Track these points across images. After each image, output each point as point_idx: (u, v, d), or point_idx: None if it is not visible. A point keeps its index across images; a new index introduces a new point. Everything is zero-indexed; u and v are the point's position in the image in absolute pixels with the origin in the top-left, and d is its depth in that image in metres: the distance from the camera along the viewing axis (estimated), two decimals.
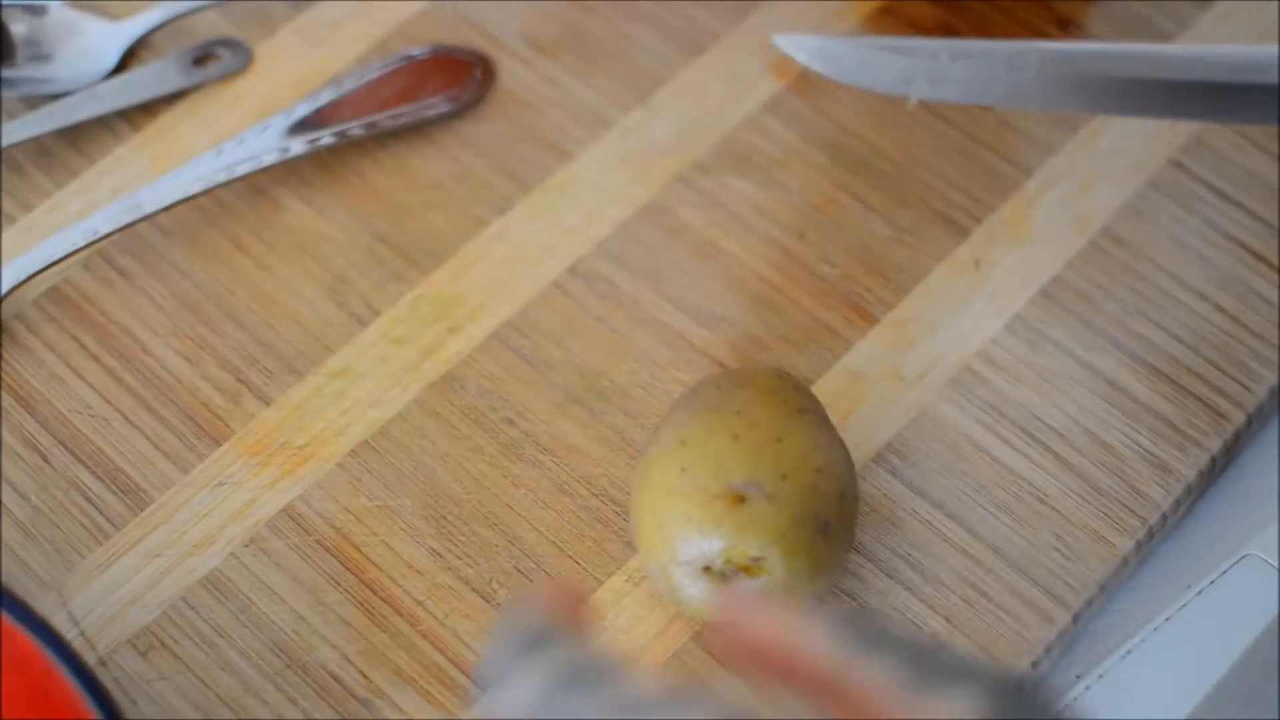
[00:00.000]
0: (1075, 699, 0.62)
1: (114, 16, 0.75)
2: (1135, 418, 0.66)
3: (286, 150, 0.70)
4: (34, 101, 0.73)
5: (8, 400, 0.66)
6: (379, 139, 0.72)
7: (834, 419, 0.65)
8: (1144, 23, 0.75)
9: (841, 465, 0.59)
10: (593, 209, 0.71)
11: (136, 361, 0.67)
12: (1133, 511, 0.64)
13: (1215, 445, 0.65)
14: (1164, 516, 0.64)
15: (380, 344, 0.67)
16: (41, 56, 0.74)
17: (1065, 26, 0.75)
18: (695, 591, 0.58)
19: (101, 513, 0.64)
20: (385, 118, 0.72)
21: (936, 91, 0.61)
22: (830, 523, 0.58)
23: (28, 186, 0.71)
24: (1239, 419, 0.66)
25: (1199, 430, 0.65)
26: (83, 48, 0.74)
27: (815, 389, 0.66)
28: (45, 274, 0.68)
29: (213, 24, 0.76)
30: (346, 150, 0.72)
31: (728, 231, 0.70)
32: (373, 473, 0.65)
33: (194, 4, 0.75)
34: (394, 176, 0.72)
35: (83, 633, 0.61)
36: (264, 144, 0.70)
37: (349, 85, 0.72)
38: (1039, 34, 0.75)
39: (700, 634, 0.61)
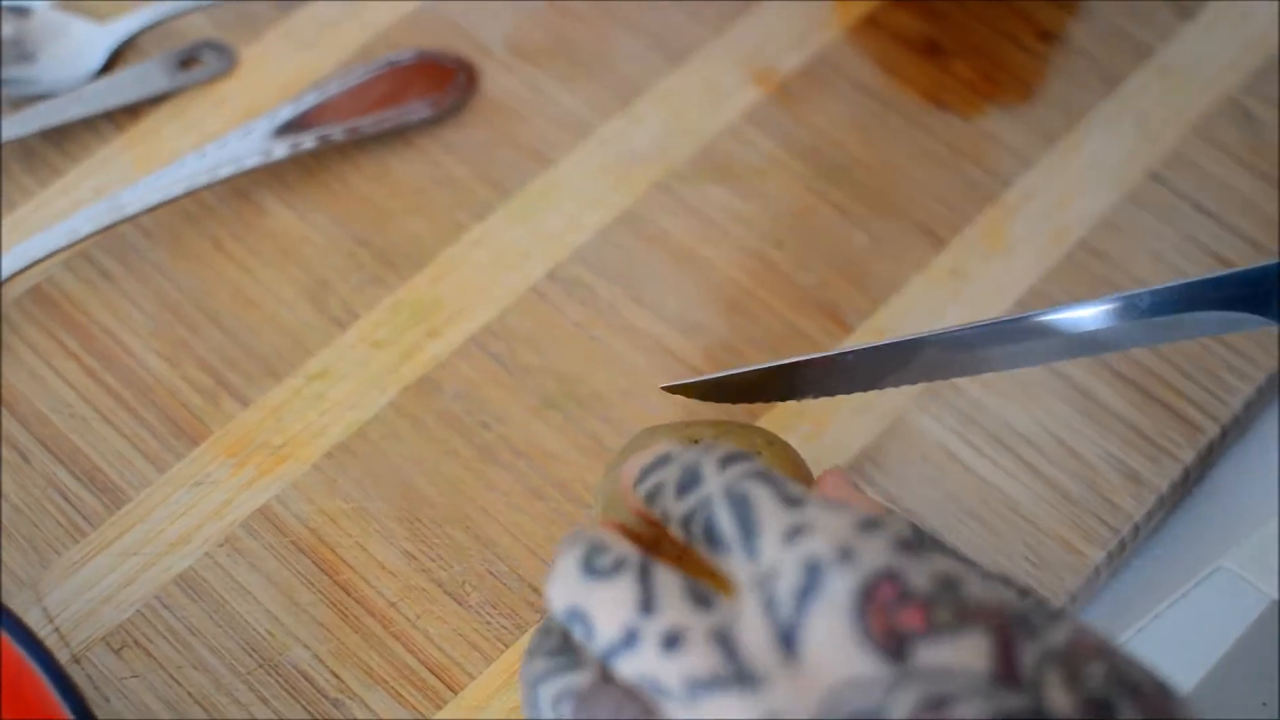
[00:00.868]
0: None
1: (100, 18, 0.75)
2: (1108, 428, 0.66)
3: (269, 153, 0.70)
4: (19, 102, 0.73)
5: None
6: (361, 143, 0.73)
7: (809, 426, 0.65)
8: (1124, 35, 0.75)
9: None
10: (572, 215, 0.71)
11: (116, 361, 0.68)
12: (1104, 522, 0.64)
13: (1188, 456, 0.65)
14: (1136, 527, 0.64)
15: (359, 347, 0.68)
16: (27, 57, 0.74)
17: (1046, 38, 0.75)
18: None
19: (78, 511, 0.64)
20: (368, 122, 0.72)
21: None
22: None
23: (12, 186, 0.72)
24: (1212, 430, 0.66)
25: (1172, 441, 0.66)
26: (68, 49, 0.74)
27: None
28: (27, 273, 0.69)
29: (199, 26, 0.76)
30: (329, 154, 0.72)
31: (706, 239, 0.70)
32: (349, 474, 0.65)
33: (180, 6, 0.75)
34: (375, 181, 0.72)
35: (57, 629, 0.62)
36: (247, 147, 0.71)
37: (333, 89, 0.73)
38: (1020, 45, 0.75)
39: None
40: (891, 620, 0.41)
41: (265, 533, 0.64)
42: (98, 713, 0.59)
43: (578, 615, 0.45)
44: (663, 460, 0.49)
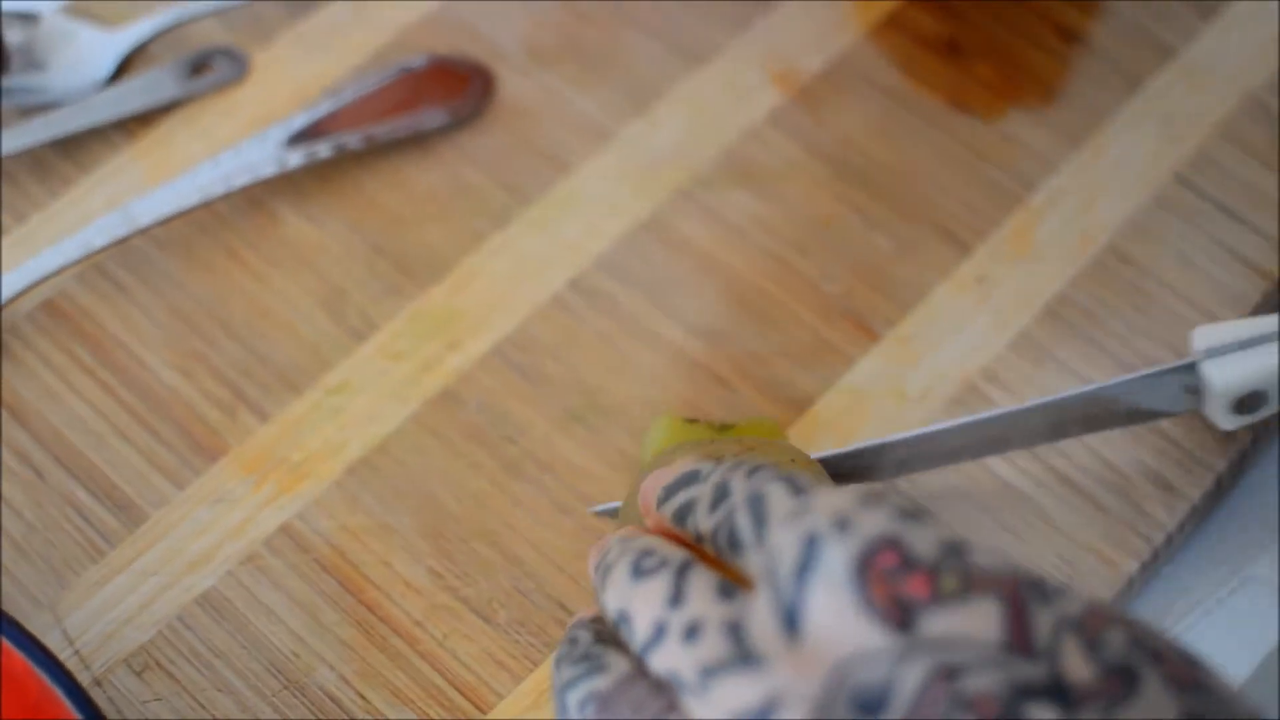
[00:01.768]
0: None
1: (110, 25, 0.75)
2: (1140, 437, 0.65)
3: (284, 162, 0.70)
4: (28, 111, 0.73)
5: (2, 414, 0.66)
6: (377, 150, 0.72)
7: (837, 437, 0.65)
8: (1146, 35, 0.75)
9: None
10: (593, 222, 0.70)
11: (131, 375, 0.67)
12: (1137, 531, 0.63)
13: (1220, 465, 0.65)
14: (1168, 536, 0.64)
15: (378, 359, 0.67)
16: (36, 65, 0.73)
17: (1067, 38, 0.75)
18: None
19: (97, 530, 0.64)
20: (384, 129, 0.71)
21: None
22: None
23: (21, 197, 0.71)
24: (1244, 439, 0.65)
25: (1204, 450, 0.65)
26: (78, 57, 0.74)
27: (818, 406, 0.66)
28: (40, 287, 0.68)
29: (210, 32, 0.75)
30: (344, 162, 0.71)
31: (729, 245, 0.70)
32: (371, 490, 0.64)
33: (190, 12, 0.74)
34: (392, 189, 0.71)
35: (77, 652, 0.61)
36: (261, 155, 0.70)
37: (347, 96, 0.72)
38: (1041, 46, 0.74)
39: None
40: (895, 589, 0.40)
41: (287, 551, 0.63)
42: None
43: (625, 616, 0.45)
44: (690, 478, 0.48)
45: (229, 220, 0.70)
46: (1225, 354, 0.61)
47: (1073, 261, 0.69)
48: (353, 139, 0.70)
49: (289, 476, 0.64)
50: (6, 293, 0.66)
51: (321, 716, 0.60)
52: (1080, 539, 0.63)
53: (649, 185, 0.71)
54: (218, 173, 0.69)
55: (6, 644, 0.55)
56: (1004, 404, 0.66)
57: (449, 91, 0.73)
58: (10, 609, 0.62)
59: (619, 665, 0.45)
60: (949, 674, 0.38)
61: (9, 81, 0.72)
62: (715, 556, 0.47)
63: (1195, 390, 0.62)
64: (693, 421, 0.62)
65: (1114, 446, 0.65)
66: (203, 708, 0.60)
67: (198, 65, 0.73)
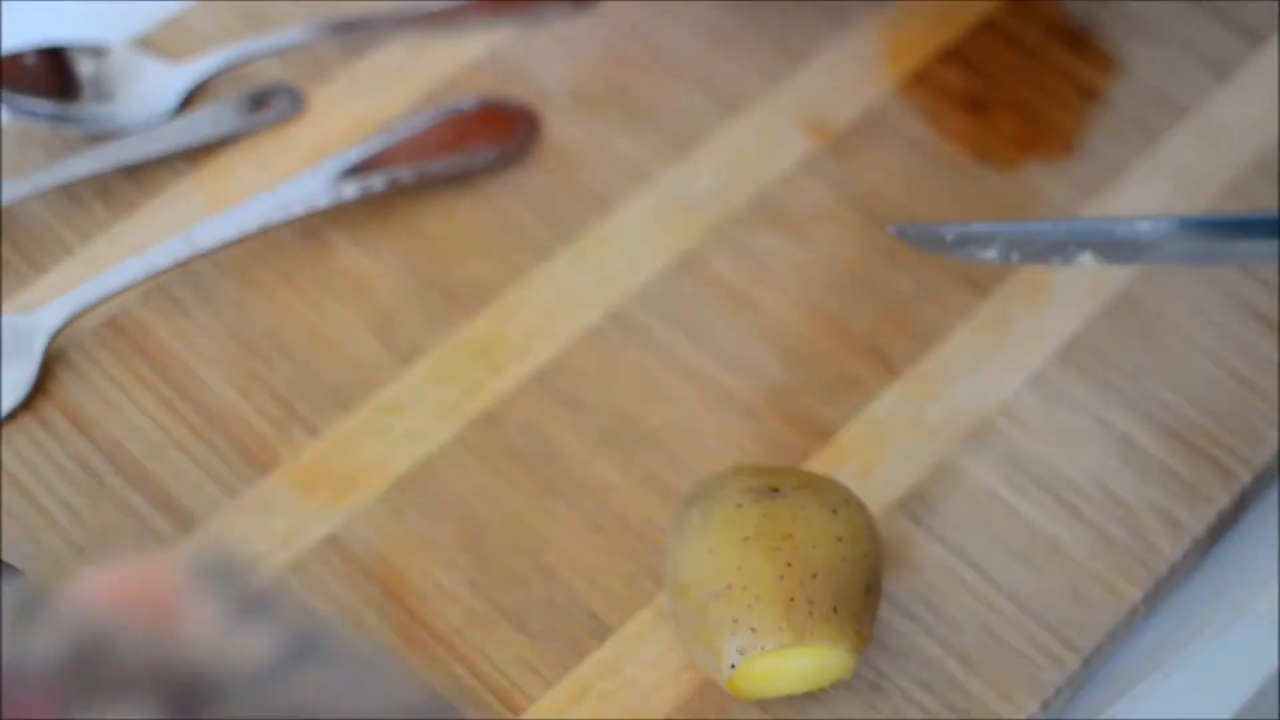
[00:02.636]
0: None
1: (175, 60, 0.78)
2: (1148, 474, 0.68)
3: (338, 194, 0.73)
4: (96, 139, 0.76)
5: (64, 423, 0.69)
6: (428, 186, 0.75)
7: (858, 466, 0.68)
8: (1161, 95, 0.78)
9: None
10: (632, 259, 0.73)
11: (189, 391, 0.70)
12: (1143, 563, 0.66)
13: (1224, 501, 0.68)
14: (1172, 568, 0.66)
15: (425, 382, 0.70)
16: (105, 96, 0.76)
17: (1086, 96, 0.78)
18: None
19: (152, 534, 0.66)
20: (434, 166, 0.74)
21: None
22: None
23: (88, 219, 0.74)
24: (1246, 477, 0.68)
25: (1208, 487, 0.68)
26: (144, 89, 0.77)
27: (840, 436, 0.69)
28: (104, 305, 0.71)
29: (270, 70, 0.78)
30: (396, 196, 0.75)
31: (760, 284, 0.73)
32: (414, 505, 0.67)
33: (252, 50, 0.77)
34: (442, 222, 0.74)
35: None
36: (317, 187, 0.73)
37: (399, 133, 0.75)
38: (1061, 103, 0.78)
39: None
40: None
41: (333, 559, 0.66)
42: None
43: None
44: None
45: (285, 248, 0.73)
46: None
47: (1087, 307, 0.72)
48: (405, 173, 0.74)
49: (336, 490, 0.68)
50: (73, 309, 0.70)
51: None
52: (1088, 568, 0.66)
53: (686, 226, 0.74)
54: (275, 202, 0.72)
55: None
56: (1019, 440, 0.69)
57: (497, 132, 0.76)
58: None
59: None
60: None
61: (80, 110, 0.76)
62: None
63: None
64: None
65: (1122, 481, 0.68)
66: None
67: (258, 101, 0.77)
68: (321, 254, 0.73)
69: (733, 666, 0.59)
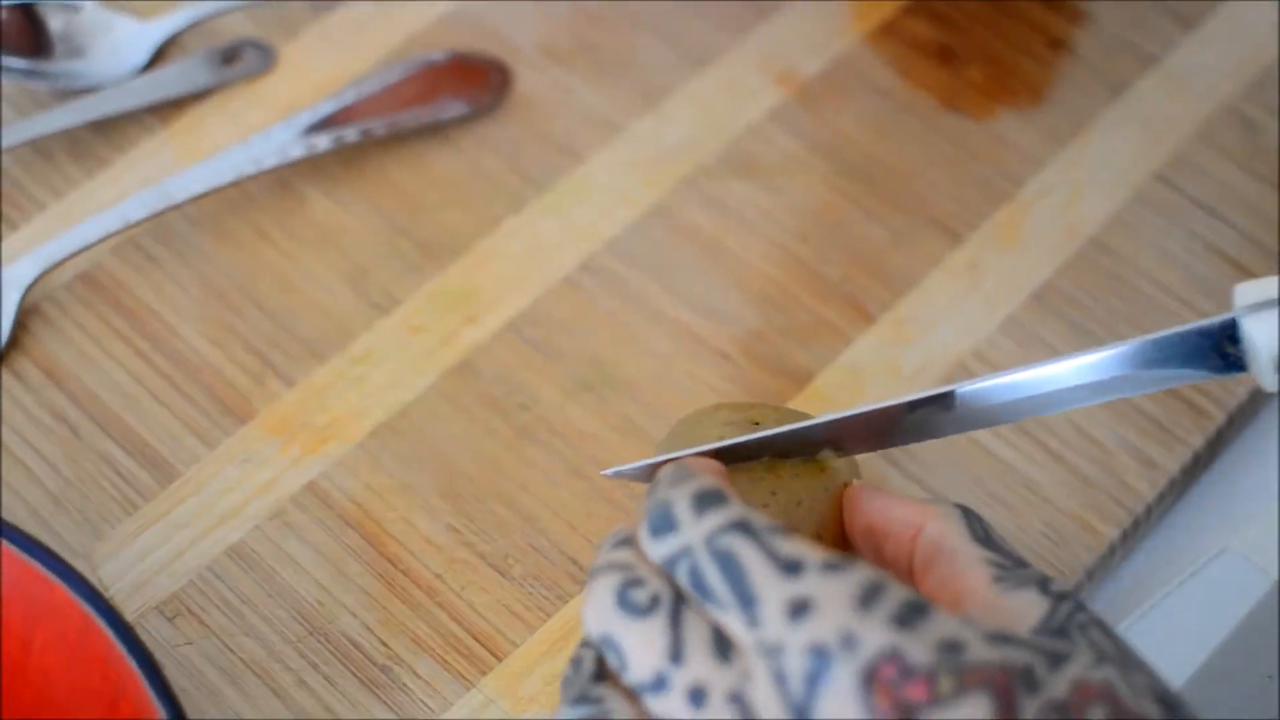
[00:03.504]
0: None
1: (145, 16, 0.78)
2: (1123, 415, 0.68)
3: (312, 145, 0.73)
4: (67, 95, 0.76)
5: (39, 376, 0.69)
6: (400, 138, 0.75)
7: (836, 409, 0.67)
8: (1128, 44, 0.78)
9: None
10: (603, 209, 0.74)
11: (164, 343, 0.70)
12: (1119, 503, 0.67)
13: (1198, 442, 0.68)
14: (1148, 508, 0.67)
15: (399, 332, 0.70)
16: (75, 52, 0.76)
17: (1055, 46, 0.78)
18: None
19: (131, 485, 0.66)
20: (406, 117, 0.74)
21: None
22: None
23: (59, 175, 0.74)
24: (1220, 417, 0.69)
25: (1183, 428, 0.68)
26: (114, 45, 0.77)
27: (817, 382, 0.69)
28: (77, 259, 0.71)
29: (239, 26, 0.78)
30: (368, 148, 0.75)
31: (732, 232, 0.73)
32: (392, 452, 0.67)
33: (220, 6, 0.77)
34: (414, 174, 0.74)
35: (111, 598, 0.64)
36: (289, 139, 0.73)
37: (371, 86, 0.75)
38: (1030, 53, 0.78)
39: None
40: (897, 695, 0.44)
41: (313, 507, 0.66)
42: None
43: (612, 645, 0.49)
44: (664, 519, 0.51)
45: (258, 200, 0.73)
46: (1269, 309, 0.55)
47: (1058, 252, 0.73)
48: (377, 125, 0.74)
49: (314, 439, 0.68)
50: (46, 262, 0.69)
51: (345, 661, 0.63)
52: (1065, 508, 0.66)
53: (657, 176, 0.75)
54: (248, 155, 0.72)
55: (51, 576, 0.58)
56: None
57: (468, 84, 0.76)
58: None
59: (621, 711, 0.49)
60: None
61: (50, 66, 0.75)
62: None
63: (1235, 346, 0.57)
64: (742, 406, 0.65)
65: (1097, 423, 0.68)
66: (232, 652, 0.63)
67: (228, 56, 0.77)
68: (294, 206, 0.73)
69: None
